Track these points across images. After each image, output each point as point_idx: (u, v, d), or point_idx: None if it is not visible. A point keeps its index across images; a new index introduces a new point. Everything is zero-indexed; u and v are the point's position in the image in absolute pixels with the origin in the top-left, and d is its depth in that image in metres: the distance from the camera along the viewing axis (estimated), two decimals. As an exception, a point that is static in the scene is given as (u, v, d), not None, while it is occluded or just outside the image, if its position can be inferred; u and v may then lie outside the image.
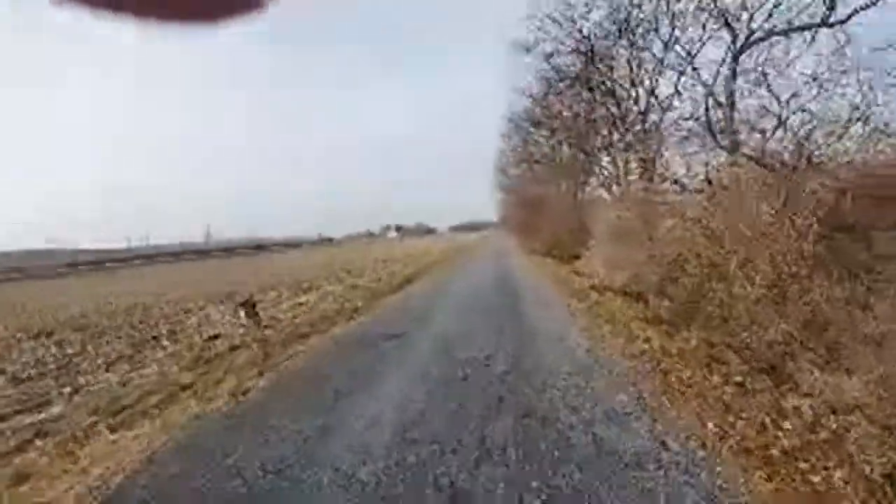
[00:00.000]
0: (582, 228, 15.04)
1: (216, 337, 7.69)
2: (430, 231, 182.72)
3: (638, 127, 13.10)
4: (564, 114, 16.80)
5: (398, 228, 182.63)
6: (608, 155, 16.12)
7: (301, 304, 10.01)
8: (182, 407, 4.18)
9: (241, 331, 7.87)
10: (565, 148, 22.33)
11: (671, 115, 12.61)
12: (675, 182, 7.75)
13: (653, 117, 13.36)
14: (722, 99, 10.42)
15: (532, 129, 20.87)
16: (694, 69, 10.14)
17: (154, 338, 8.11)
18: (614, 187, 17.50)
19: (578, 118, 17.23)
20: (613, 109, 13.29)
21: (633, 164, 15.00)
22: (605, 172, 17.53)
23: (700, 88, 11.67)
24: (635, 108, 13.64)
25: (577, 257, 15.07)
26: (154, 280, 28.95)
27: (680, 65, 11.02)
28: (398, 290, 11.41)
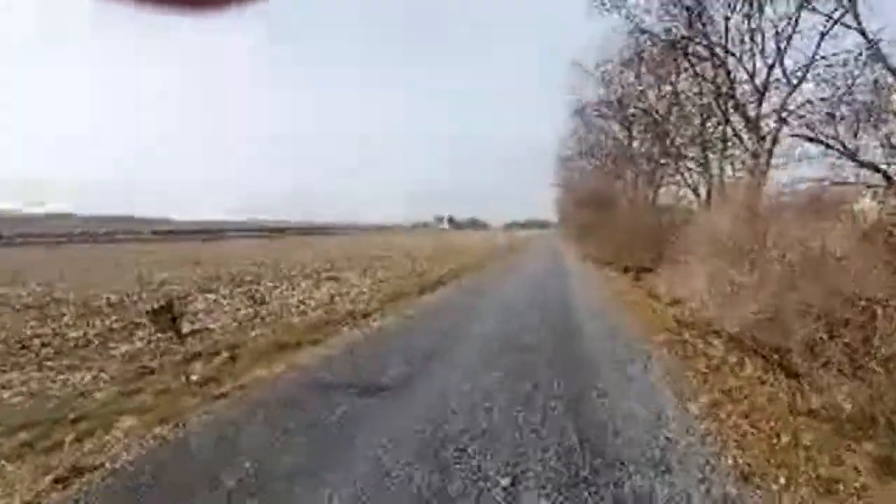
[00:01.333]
0: (659, 237, 12.21)
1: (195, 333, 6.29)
2: (482, 226, 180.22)
3: (752, 111, 10.01)
4: (646, 96, 13.82)
5: (451, 220, 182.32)
6: (702, 149, 12.95)
7: (301, 302, 8.46)
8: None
9: (224, 324, 6.45)
10: (636, 142, 19.10)
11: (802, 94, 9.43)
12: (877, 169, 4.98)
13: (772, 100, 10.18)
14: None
15: (603, 116, 17.91)
16: (856, 18, 7.04)
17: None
18: (701, 188, 14.28)
19: (663, 100, 14.17)
20: (723, 85, 10.25)
21: (737, 162, 11.83)
22: (694, 170, 14.31)
23: (853, 60, 8.48)
24: (747, 87, 10.51)
25: (649, 271, 12.30)
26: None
27: (825, 22, 7.92)
28: (422, 295, 9.57)
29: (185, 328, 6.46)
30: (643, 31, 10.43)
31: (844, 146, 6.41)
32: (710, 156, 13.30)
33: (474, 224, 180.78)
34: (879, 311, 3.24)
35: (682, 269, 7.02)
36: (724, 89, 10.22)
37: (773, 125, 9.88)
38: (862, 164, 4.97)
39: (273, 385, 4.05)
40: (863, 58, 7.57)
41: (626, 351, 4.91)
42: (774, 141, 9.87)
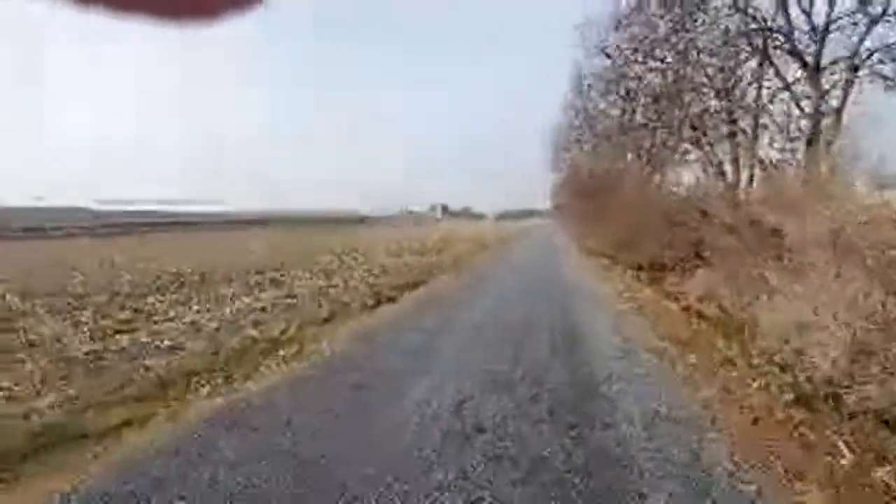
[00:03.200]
0: (685, 228, 9.67)
1: None
2: (477, 217, 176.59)
3: (812, 51, 7.39)
4: (662, 47, 11.05)
5: (445, 209, 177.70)
6: (729, 116, 10.35)
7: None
8: None
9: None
10: (639, 116, 16.48)
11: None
12: None
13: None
14: None
15: (606, 82, 15.33)
16: None
17: None
18: (727, 167, 11.70)
19: (673, 53, 11.41)
20: (774, 22, 7.61)
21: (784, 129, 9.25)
22: (715, 142, 11.69)
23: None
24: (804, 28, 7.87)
25: (670, 269, 9.82)
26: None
27: None
28: (377, 307, 6.99)
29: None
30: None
31: None
32: (741, 124, 10.74)
33: (469, 215, 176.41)
34: None
35: (760, 282, 4.46)
36: (775, 27, 7.60)
37: (843, 75, 7.31)
38: None
39: None
40: None
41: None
42: (845, 96, 7.31)
